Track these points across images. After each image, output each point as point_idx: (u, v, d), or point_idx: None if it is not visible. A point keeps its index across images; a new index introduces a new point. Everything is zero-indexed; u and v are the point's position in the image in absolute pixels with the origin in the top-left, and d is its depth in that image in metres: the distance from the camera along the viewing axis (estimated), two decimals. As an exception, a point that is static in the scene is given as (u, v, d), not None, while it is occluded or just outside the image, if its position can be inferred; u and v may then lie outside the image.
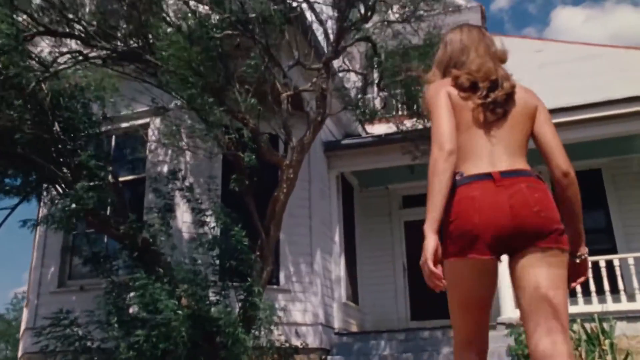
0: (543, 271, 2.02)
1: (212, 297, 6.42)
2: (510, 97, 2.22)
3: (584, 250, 2.28)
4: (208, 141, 6.30)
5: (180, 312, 5.67)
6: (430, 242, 2.01)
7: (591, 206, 10.86)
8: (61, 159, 6.56)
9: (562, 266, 2.07)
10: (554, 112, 9.21)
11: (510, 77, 2.27)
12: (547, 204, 2.09)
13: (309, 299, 8.58)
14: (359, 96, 7.66)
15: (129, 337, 6.19)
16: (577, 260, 2.23)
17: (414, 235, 11.64)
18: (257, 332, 6.54)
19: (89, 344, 6.57)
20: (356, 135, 11.15)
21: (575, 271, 2.22)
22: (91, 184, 6.25)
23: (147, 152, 8.37)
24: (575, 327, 7.51)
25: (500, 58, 2.34)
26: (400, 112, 9.02)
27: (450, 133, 2.12)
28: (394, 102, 8.46)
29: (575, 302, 8.32)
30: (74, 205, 5.89)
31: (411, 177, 11.37)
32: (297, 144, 6.64)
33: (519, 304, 2.08)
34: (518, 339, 7.75)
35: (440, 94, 2.21)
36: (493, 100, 2.17)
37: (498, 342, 7.99)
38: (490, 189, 2.07)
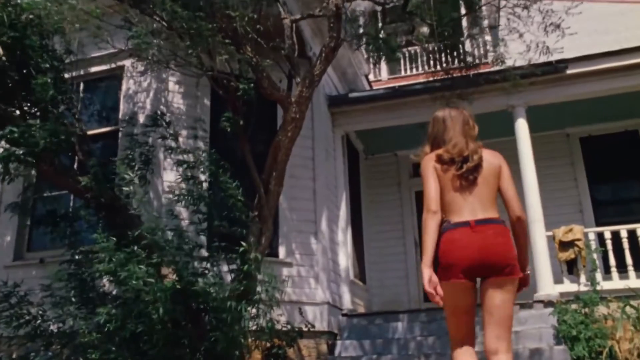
0: (498, 295, 2.86)
1: (198, 266, 5.12)
2: (479, 165, 2.98)
3: (527, 271, 3.04)
4: (191, 59, 4.93)
5: (152, 280, 4.35)
6: (425, 274, 2.81)
7: (626, 172, 9.63)
8: (8, 93, 5.19)
9: (512, 291, 2.89)
10: (589, 58, 8.02)
11: (479, 148, 3.03)
12: (507, 246, 2.87)
13: (313, 274, 7.29)
14: (379, 25, 6.30)
15: (94, 316, 4.89)
16: (523, 274, 2.98)
17: (427, 206, 10.39)
18: (254, 310, 5.26)
19: (47, 325, 5.27)
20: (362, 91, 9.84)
21: (522, 282, 2.98)
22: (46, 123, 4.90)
23: (122, 96, 7.01)
24: (635, 303, 6.31)
25: (472, 135, 3.08)
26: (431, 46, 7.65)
27: (435, 197, 2.94)
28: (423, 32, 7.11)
29: (626, 277, 7.13)
30: (15, 149, 4.52)
31: (422, 142, 10.12)
32: (306, 75, 5.32)
33: (482, 314, 2.91)
34: (562, 319, 6.53)
35: (429, 169, 3.02)
36: (466, 170, 2.96)
37: (538, 323, 6.78)
38: (467, 233, 2.87)
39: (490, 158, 3.03)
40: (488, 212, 2.90)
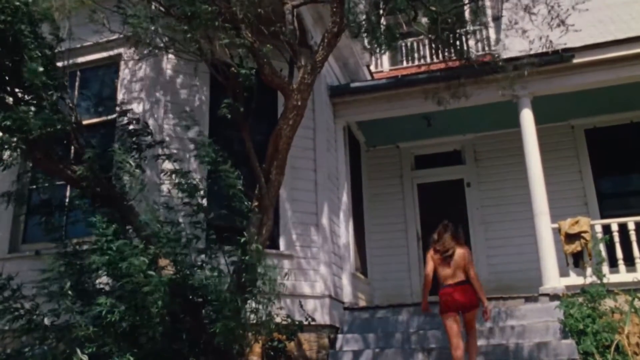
0: (471, 317, 5.60)
1: (197, 258, 4.98)
2: (452, 254, 5.59)
3: (485, 304, 5.59)
4: (190, 44, 4.77)
5: (152, 273, 4.21)
6: (422, 305, 5.95)
7: (631, 165, 9.47)
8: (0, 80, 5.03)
9: (475, 315, 5.63)
10: (596, 47, 7.79)
11: (456, 246, 5.65)
12: (472, 295, 5.53)
13: (314, 267, 7.15)
14: (380, 13, 6.12)
15: (90, 308, 4.75)
16: (484, 309, 5.60)
17: (429, 199, 10.27)
18: (254, 303, 5.11)
19: (40, 319, 5.12)
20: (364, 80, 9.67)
21: (484, 313, 5.62)
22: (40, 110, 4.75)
23: (118, 85, 6.85)
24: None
25: (458, 238, 5.73)
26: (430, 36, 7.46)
27: (430, 271, 5.67)
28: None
29: (633, 270, 6.98)
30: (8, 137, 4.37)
31: (425, 133, 10.00)
32: (307, 62, 5.17)
33: (464, 327, 5.68)
34: (568, 313, 6.40)
35: (429, 256, 5.73)
36: (445, 256, 5.61)
37: (544, 317, 6.66)
38: (451, 289, 5.53)
39: (460, 250, 5.61)
40: (459, 277, 5.54)
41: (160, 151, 6.06)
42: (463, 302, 5.47)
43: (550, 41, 6.37)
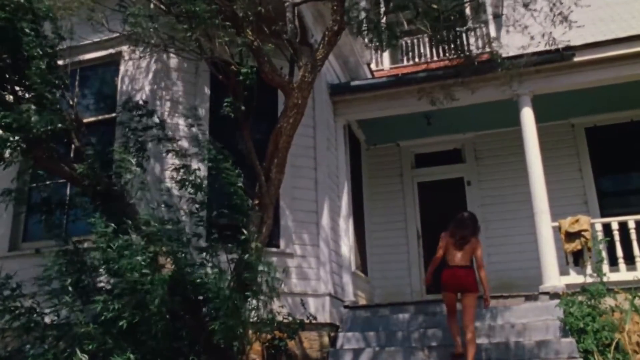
0: (466, 300, 5.89)
1: (197, 256, 4.98)
2: (466, 242, 5.99)
3: (488, 293, 6.00)
4: (190, 42, 4.77)
5: (147, 272, 4.21)
6: (426, 277, 6.38)
7: (631, 163, 9.48)
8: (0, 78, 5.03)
9: (473, 298, 5.91)
10: (597, 45, 7.79)
11: (470, 235, 6.03)
12: (472, 279, 5.94)
13: (315, 265, 7.15)
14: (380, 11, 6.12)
15: (90, 305, 4.75)
16: (484, 297, 5.99)
17: (429, 197, 10.27)
18: (254, 302, 5.11)
19: (40, 318, 5.12)
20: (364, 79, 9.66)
21: (485, 300, 6.01)
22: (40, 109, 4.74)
23: (119, 83, 6.85)
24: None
25: (473, 228, 6.10)
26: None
27: (441, 251, 6.06)
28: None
29: (633, 268, 6.97)
30: (9, 135, 4.37)
31: (425, 132, 10.00)
32: (308, 60, 5.17)
33: (462, 308, 5.96)
34: (568, 311, 6.40)
35: (443, 238, 6.10)
36: (459, 243, 6.00)
37: (544, 315, 6.66)
38: (453, 271, 5.97)
39: (473, 241, 6.01)
40: (465, 262, 5.96)
41: (166, 147, 6.07)
42: (462, 282, 5.87)
43: (554, 38, 6.34)
